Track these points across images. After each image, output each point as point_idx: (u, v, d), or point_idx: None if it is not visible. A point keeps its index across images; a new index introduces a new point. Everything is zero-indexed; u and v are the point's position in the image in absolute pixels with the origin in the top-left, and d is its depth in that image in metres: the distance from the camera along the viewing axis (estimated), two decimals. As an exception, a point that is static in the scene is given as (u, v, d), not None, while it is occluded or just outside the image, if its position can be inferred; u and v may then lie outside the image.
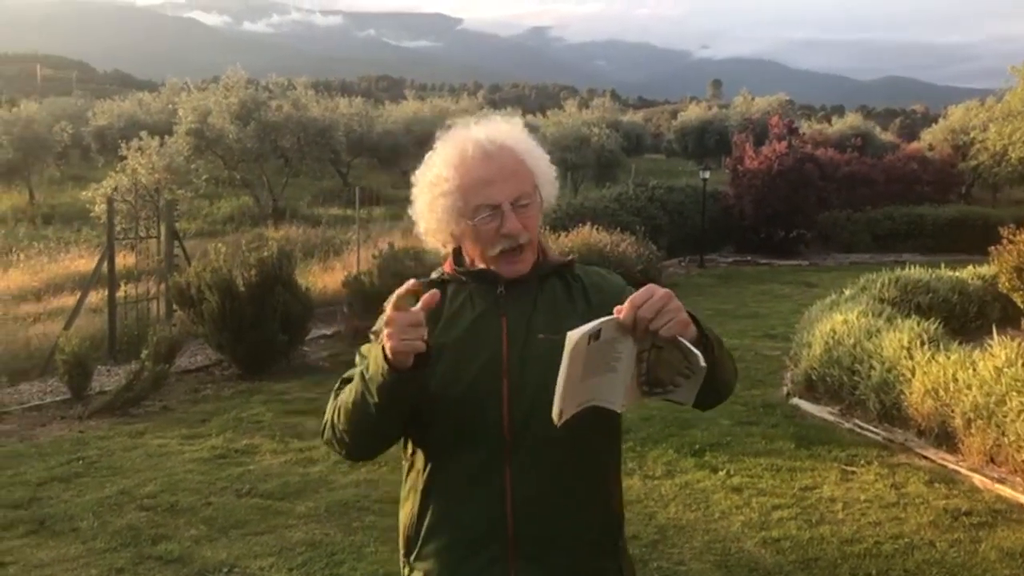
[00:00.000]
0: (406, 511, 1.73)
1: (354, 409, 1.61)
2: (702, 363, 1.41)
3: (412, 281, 1.53)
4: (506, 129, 1.73)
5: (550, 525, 1.63)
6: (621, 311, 1.42)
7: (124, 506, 4.88)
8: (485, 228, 1.65)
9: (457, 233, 1.71)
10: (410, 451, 1.73)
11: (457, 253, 1.75)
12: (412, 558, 1.72)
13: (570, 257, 1.80)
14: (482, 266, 1.70)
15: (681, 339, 1.43)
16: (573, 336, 1.38)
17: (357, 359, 1.71)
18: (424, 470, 1.69)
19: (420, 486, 1.69)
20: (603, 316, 1.43)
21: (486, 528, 1.62)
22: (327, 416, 1.71)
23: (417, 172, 1.75)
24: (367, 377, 1.56)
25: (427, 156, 1.74)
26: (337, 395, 1.70)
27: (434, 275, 1.77)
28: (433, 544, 1.67)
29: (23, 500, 4.96)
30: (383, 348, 1.50)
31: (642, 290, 1.44)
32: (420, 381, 1.55)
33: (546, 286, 1.72)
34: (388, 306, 1.50)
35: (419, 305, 1.49)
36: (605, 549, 1.71)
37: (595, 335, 1.40)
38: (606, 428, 1.67)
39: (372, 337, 1.71)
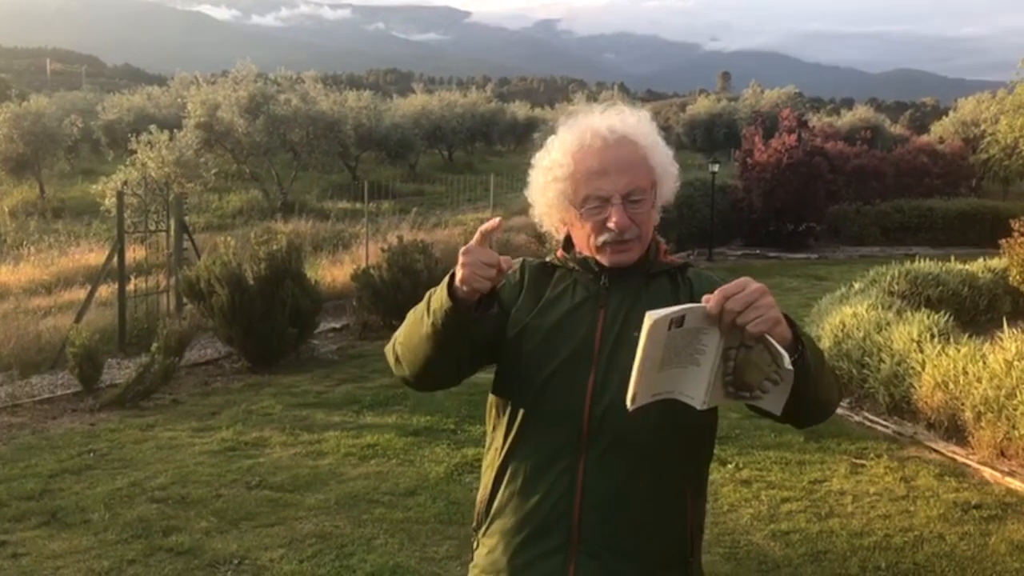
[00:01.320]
0: (482, 487, 1.75)
1: (412, 326, 1.64)
2: (787, 364, 1.34)
3: (498, 219, 1.55)
4: (631, 120, 1.70)
5: (616, 526, 1.60)
6: (710, 300, 1.36)
7: (135, 498, 4.90)
8: (592, 219, 1.65)
9: (567, 220, 1.72)
10: (492, 427, 1.74)
11: (568, 239, 1.75)
12: (481, 534, 1.74)
13: (685, 262, 1.77)
14: (587, 254, 1.70)
15: (769, 338, 1.36)
16: (653, 315, 1.32)
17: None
18: (502, 449, 1.69)
19: (496, 464, 1.70)
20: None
21: (552, 518, 1.62)
22: (396, 336, 1.74)
23: (536, 154, 1.75)
24: (431, 299, 1.59)
25: (548, 140, 1.74)
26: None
27: (547, 259, 1.79)
28: (499, 523, 1.69)
29: (35, 492, 4.99)
30: (452, 275, 1.52)
31: (735, 281, 1.39)
32: (474, 324, 1.57)
33: (653, 284, 1.69)
34: (474, 239, 1.53)
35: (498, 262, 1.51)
36: (671, 562, 1.66)
37: (678, 321, 1.34)
38: (691, 440, 1.64)
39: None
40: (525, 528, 1.64)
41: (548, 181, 1.70)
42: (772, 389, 1.39)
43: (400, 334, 1.70)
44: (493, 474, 1.71)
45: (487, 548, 1.71)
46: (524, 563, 1.64)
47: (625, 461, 1.59)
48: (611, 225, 1.62)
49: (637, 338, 1.46)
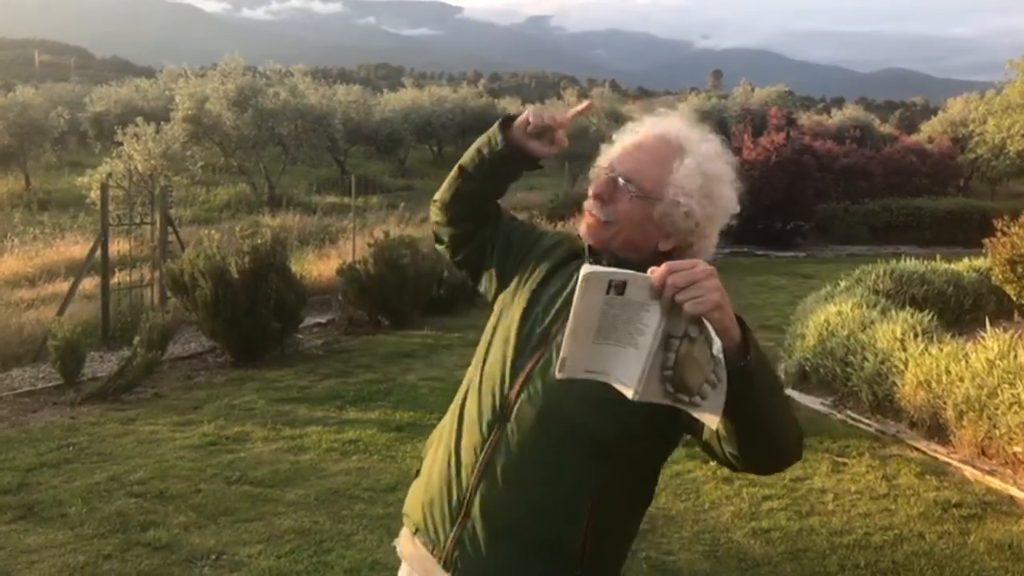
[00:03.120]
0: (438, 425, 1.86)
1: (467, 165, 1.81)
2: (717, 351, 1.25)
3: (590, 101, 1.71)
4: (696, 137, 1.65)
5: (504, 506, 1.59)
6: (655, 271, 1.27)
7: (113, 492, 4.86)
8: (588, 186, 1.68)
9: None
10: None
11: None
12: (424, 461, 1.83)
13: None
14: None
15: (707, 322, 1.27)
16: (589, 268, 1.25)
17: None
18: (461, 391, 1.78)
19: (451, 409, 1.79)
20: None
21: (454, 477, 1.65)
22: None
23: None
24: (488, 137, 1.76)
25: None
26: None
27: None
28: (427, 463, 1.78)
29: (12, 486, 4.94)
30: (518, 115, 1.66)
31: (685, 260, 1.31)
32: (514, 165, 1.73)
33: None
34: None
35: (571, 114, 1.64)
36: (554, 562, 1.59)
37: (619, 287, 1.25)
38: (614, 459, 1.58)
39: None
40: (435, 475, 1.71)
41: (597, 164, 1.74)
42: (710, 395, 1.29)
43: (451, 176, 1.89)
44: (447, 416, 1.81)
45: (417, 480, 1.81)
46: (426, 504, 1.70)
47: (533, 447, 1.58)
48: (586, 189, 1.66)
49: None
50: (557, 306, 1.64)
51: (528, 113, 1.65)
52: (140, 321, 7.85)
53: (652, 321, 1.27)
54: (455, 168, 1.82)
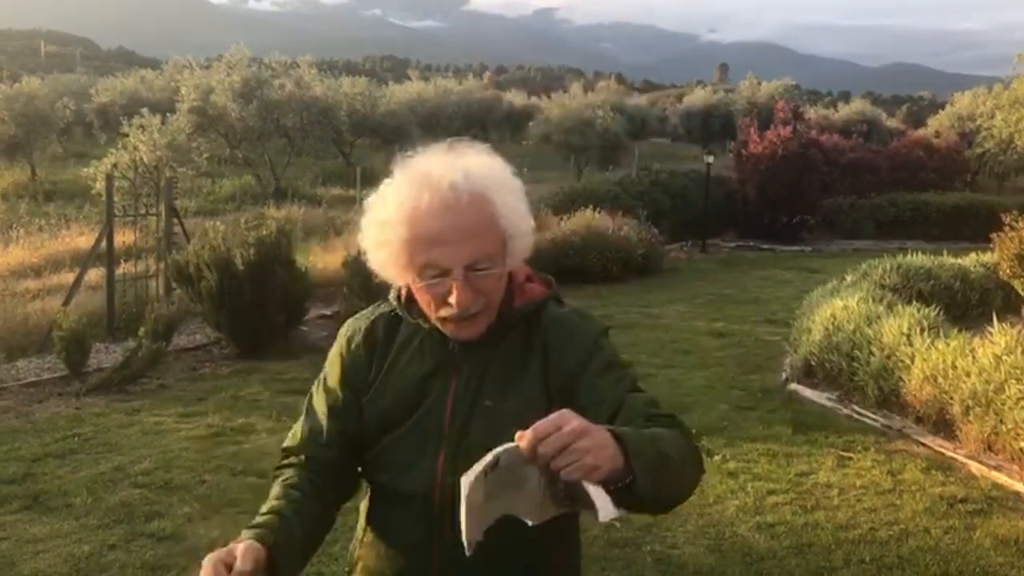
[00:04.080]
0: (357, 530, 1.65)
1: None
2: (603, 519, 1.20)
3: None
4: (478, 172, 1.45)
5: None
6: (522, 438, 1.20)
7: (118, 483, 4.87)
8: (432, 291, 1.46)
9: (403, 279, 1.52)
10: (364, 490, 1.65)
11: (410, 296, 1.55)
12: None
13: (541, 298, 1.57)
14: (434, 323, 1.52)
15: (586, 484, 1.21)
16: (467, 477, 1.22)
17: (305, 403, 1.64)
18: (370, 506, 1.61)
19: (363, 512, 1.63)
20: (557, 380, 1.37)
21: None
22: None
23: (369, 198, 1.52)
24: None
25: (382, 185, 1.50)
26: (274, 477, 1.58)
27: (392, 304, 1.61)
28: None
29: (17, 476, 4.96)
30: None
31: (548, 420, 1.20)
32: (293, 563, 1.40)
33: (504, 342, 1.53)
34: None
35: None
36: None
37: (492, 465, 1.23)
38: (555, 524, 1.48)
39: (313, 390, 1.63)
40: None
41: (379, 241, 1.49)
42: (603, 498, 1.25)
43: None
44: (361, 521, 1.63)
45: None
46: None
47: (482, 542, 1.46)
48: (452, 302, 1.44)
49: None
50: (436, 388, 1.53)
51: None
52: (145, 312, 7.86)
53: (532, 474, 1.27)
54: None
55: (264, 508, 1.47)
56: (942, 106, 35.17)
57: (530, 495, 1.29)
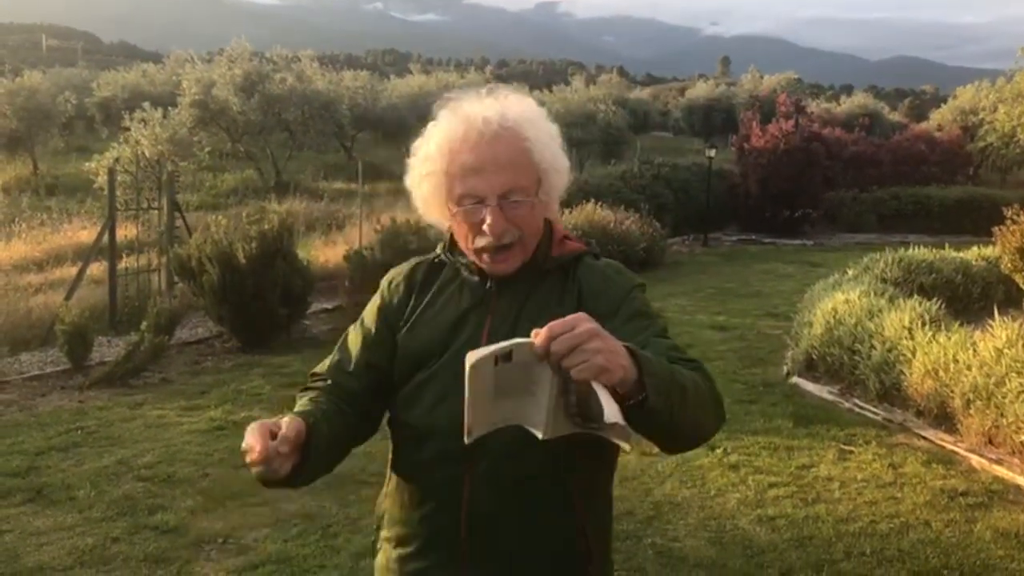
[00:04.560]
0: (384, 487, 1.70)
1: None
2: (608, 419, 1.22)
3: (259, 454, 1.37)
4: (515, 109, 1.55)
5: (502, 539, 1.53)
6: (537, 335, 1.24)
7: (121, 476, 4.89)
8: (468, 220, 1.54)
9: (446, 215, 1.60)
10: (392, 435, 1.67)
11: (452, 236, 1.64)
12: (380, 534, 1.70)
13: (579, 251, 1.64)
14: (470, 258, 1.60)
15: (595, 385, 1.24)
16: (472, 357, 1.23)
17: (340, 340, 1.70)
18: (394, 454, 1.64)
19: (390, 468, 1.66)
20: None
21: (437, 531, 1.56)
22: None
23: (416, 141, 1.62)
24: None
25: (428, 126, 1.60)
26: (301, 396, 1.65)
27: (436, 251, 1.69)
28: (391, 531, 1.64)
29: (21, 469, 4.97)
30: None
31: (564, 320, 1.24)
32: (306, 470, 1.46)
33: (542, 285, 1.59)
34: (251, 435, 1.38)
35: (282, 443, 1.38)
36: (565, 572, 1.58)
37: (505, 356, 1.25)
38: (581, 455, 1.52)
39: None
40: (413, 541, 1.60)
41: (423, 174, 1.59)
42: (618, 420, 1.27)
43: None
44: (388, 478, 1.67)
45: (383, 551, 1.67)
46: (412, 573, 1.60)
47: (509, 476, 1.51)
48: (486, 228, 1.51)
49: None
50: (470, 325, 1.58)
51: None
52: (147, 306, 7.88)
53: (544, 374, 1.27)
54: None
55: (293, 412, 1.54)
56: (945, 100, 35.14)
57: (542, 404, 1.29)
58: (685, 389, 1.36)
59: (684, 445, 1.50)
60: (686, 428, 1.41)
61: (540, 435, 1.32)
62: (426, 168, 1.58)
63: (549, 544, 1.55)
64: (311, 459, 1.46)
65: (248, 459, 1.37)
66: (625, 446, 1.30)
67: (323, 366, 1.69)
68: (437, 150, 1.55)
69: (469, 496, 1.52)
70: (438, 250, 1.68)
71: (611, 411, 1.22)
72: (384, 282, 1.72)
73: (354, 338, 1.68)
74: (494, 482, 1.51)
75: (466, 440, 1.30)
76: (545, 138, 1.57)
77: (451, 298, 1.61)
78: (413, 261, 1.72)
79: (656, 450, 5.26)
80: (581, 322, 1.24)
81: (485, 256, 1.56)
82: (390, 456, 1.67)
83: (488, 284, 1.59)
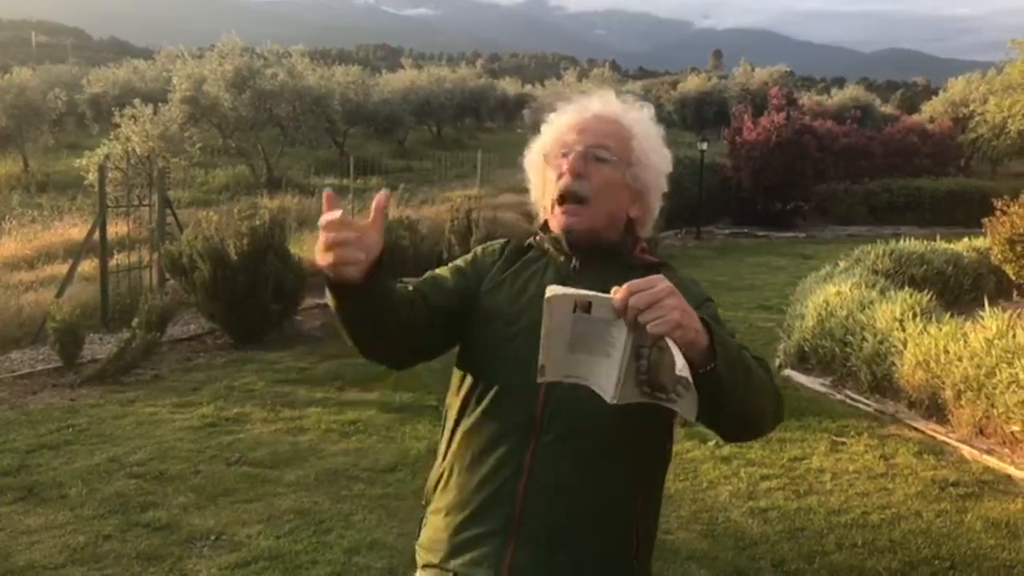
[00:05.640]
0: (436, 464, 1.71)
1: (339, 323, 1.54)
2: (679, 372, 1.27)
3: (385, 193, 1.45)
4: (627, 109, 1.70)
5: (559, 514, 1.55)
6: (617, 292, 1.31)
7: (113, 473, 4.87)
8: (555, 165, 1.65)
9: (544, 190, 1.70)
10: (451, 402, 1.71)
11: (546, 223, 1.72)
12: (428, 510, 1.71)
13: (661, 262, 1.72)
14: (559, 233, 1.67)
15: (670, 342, 1.29)
16: (551, 291, 1.31)
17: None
18: (456, 426, 1.66)
19: (448, 440, 1.68)
20: None
21: (495, 499, 1.57)
22: None
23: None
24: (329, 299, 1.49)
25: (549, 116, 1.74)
26: None
27: (528, 240, 1.77)
28: (444, 500, 1.65)
29: (12, 467, 4.95)
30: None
31: (643, 279, 1.32)
32: (378, 297, 1.46)
33: (623, 276, 1.56)
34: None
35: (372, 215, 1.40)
36: (612, 559, 1.60)
37: (584, 306, 1.31)
38: (647, 437, 1.59)
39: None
40: (467, 507, 1.61)
41: (535, 155, 1.71)
42: (686, 393, 1.33)
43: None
44: (444, 451, 1.68)
45: (431, 524, 1.68)
46: (463, 541, 1.60)
47: (575, 450, 1.54)
48: (565, 167, 1.61)
49: None
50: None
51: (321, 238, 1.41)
52: (139, 303, 7.86)
53: (620, 335, 1.32)
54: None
55: None
56: (936, 92, 35.23)
57: (614, 366, 1.33)
58: (750, 370, 1.45)
59: (744, 430, 1.55)
60: (748, 410, 1.47)
61: (609, 399, 1.35)
62: (537, 149, 1.71)
63: (603, 527, 1.58)
64: (382, 276, 1.45)
65: (326, 231, 1.37)
66: (690, 416, 1.35)
67: None
68: (552, 131, 1.69)
69: (532, 464, 1.55)
70: (529, 239, 1.77)
71: (682, 364, 1.27)
72: (478, 248, 1.78)
73: (433, 276, 1.73)
74: (560, 454, 1.54)
75: (539, 379, 1.36)
76: (649, 141, 1.68)
77: (535, 273, 1.68)
78: (504, 239, 1.80)
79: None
80: (659, 281, 1.32)
81: (559, 210, 1.64)
82: (449, 431, 1.68)
83: (573, 262, 1.65)
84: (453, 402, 1.69)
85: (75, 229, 12.48)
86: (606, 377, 1.35)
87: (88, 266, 9.53)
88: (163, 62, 30.93)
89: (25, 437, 5.50)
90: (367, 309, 1.49)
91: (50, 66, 39.22)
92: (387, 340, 1.58)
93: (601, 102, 1.70)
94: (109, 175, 10.13)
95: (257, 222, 8.38)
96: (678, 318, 1.30)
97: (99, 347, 7.88)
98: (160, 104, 18.19)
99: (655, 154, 1.70)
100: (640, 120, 1.71)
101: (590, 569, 1.58)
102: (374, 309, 1.49)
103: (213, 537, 4.10)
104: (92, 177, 13.12)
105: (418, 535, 1.74)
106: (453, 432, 1.66)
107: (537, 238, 1.74)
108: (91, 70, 33.20)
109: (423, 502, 1.74)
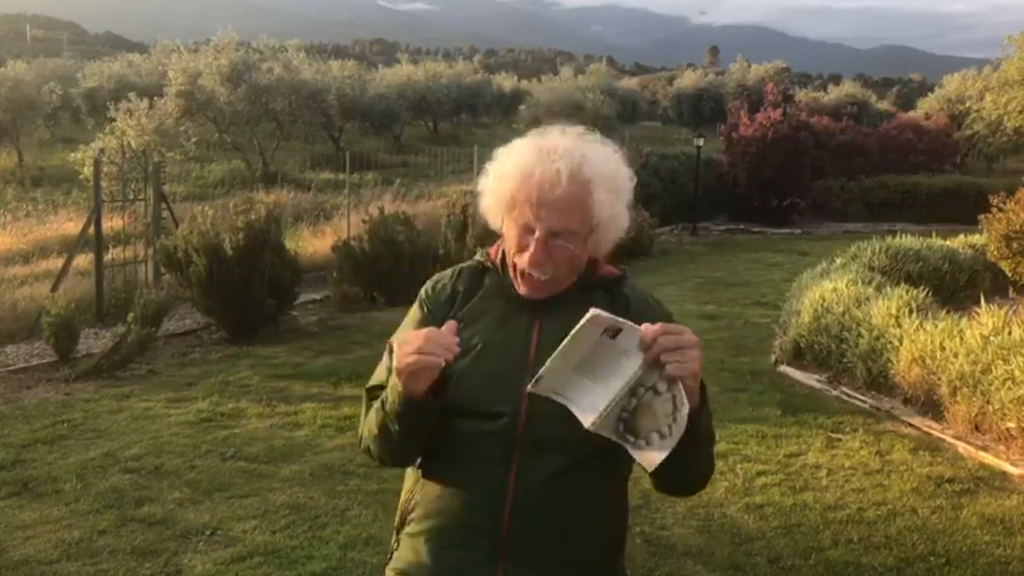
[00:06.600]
0: (407, 486, 1.71)
1: (380, 436, 1.63)
2: (685, 414, 1.40)
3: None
4: (591, 165, 1.62)
5: (545, 533, 1.58)
6: (649, 328, 1.41)
7: (108, 468, 4.86)
8: (518, 242, 1.63)
9: (500, 225, 1.70)
10: None
11: (503, 261, 1.72)
12: (404, 532, 1.69)
13: (620, 274, 1.74)
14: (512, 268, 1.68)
15: (680, 386, 1.41)
16: (596, 313, 1.38)
17: (385, 357, 1.71)
18: (434, 452, 1.65)
19: (425, 467, 1.67)
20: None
21: (480, 522, 1.58)
22: (361, 430, 1.71)
23: (500, 149, 1.72)
24: (386, 409, 1.58)
25: (516, 141, 1.70)
26: (367, 405, 1.70)
27: (477, 257, 1.77)
28: (425, 524, 1.64)
29: (6, 462, 4.94)
30: (397, 377, 1.52)
31: (677, 326, 1.46)
32: (436, 408, 1.56)
33: (588, 298, 1.62)
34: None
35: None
36: (597, 562, 1.65)
37: (613, 332, 1.39)
38: (619, 452, 1.60)
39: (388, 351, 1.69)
40: (451, 532, 1.61)
41: (492, 187, 1.69)
42: (656, 443, 1.43)
43: (371, 442, 1.67)
44: (420, 473, 1.68)
45: (410, 548, 1.67)
46: (448, 568, 1.61)
47: (556, 465, 1.57)
48: (527, 258, 1.61)
49: None
50: (521, 328, 1.65)
51: (400, 363, 1.52)
52: (134, 298, 7.83)
53: (630, 369, 1.41)
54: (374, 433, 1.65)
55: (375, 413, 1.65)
56: (932, 88, 35.22)
57: (605, 396, 1.42)
58: (712, 438, 1.61)
59: (683, 487, 1.70)
60: (697, 471, 1.63)
61: (587, 424, 1.43)
62: (500, 185, 1.67)
63: (588, 536, 1.63)
64: (440, 399, 1.56)
65: (419, 344, 1.49)
66: (647, 466, 1.45)
67: (377, 378, 1.73)
68: (510, 173, 1.65)
69: (516, 486, 1.57)
70: (479, 257, 1.77)
71: (685, 411, 1.41)
72: (427, 285, 1.78)
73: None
74: (543, 472, 1.57)
75: (529, 388, 1.44)
76: (609, 199, 1.64)
77: (496, 297, 1.69)
78: (455, 268, 1.79)
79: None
80: (689, 331, 1.45)
81: (520, 278, 1.65)
82: (428, 450, 1.67)
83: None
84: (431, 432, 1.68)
85: (70, 223, 12.45)
86: (592, 403, 1.43)
87: (83, 261, 9.51)
88: (159, 56, 30.79)
89: (20, 432, 5.48)
90: (428, 420, 1.58)
91: (45, 60, 39.06)
92: (418, 448, 1.65)
93: (559, 153, 1.61)
94: (104, 169, 10.10)
95: (253, 217, 8.36)
96: (696, 368, 1.43)
97: (94, 342, 7.86)
98: (156, 98, 18.15)
99: (617, 203, 1.66)
100: (601, 174, 1.63)
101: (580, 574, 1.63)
102: (429, 420, 1.58)
103: (208, 532, 4.09)
104: (87, 171, 13.10)
105: (388, 559, 1.73)
106: (433, 454, 1.65)
107: (492, 259, 1.73)
108: (86, 64, 33.10)
109: (396, 523, 1.73)
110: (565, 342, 1.38)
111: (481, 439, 1.59)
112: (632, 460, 1.67)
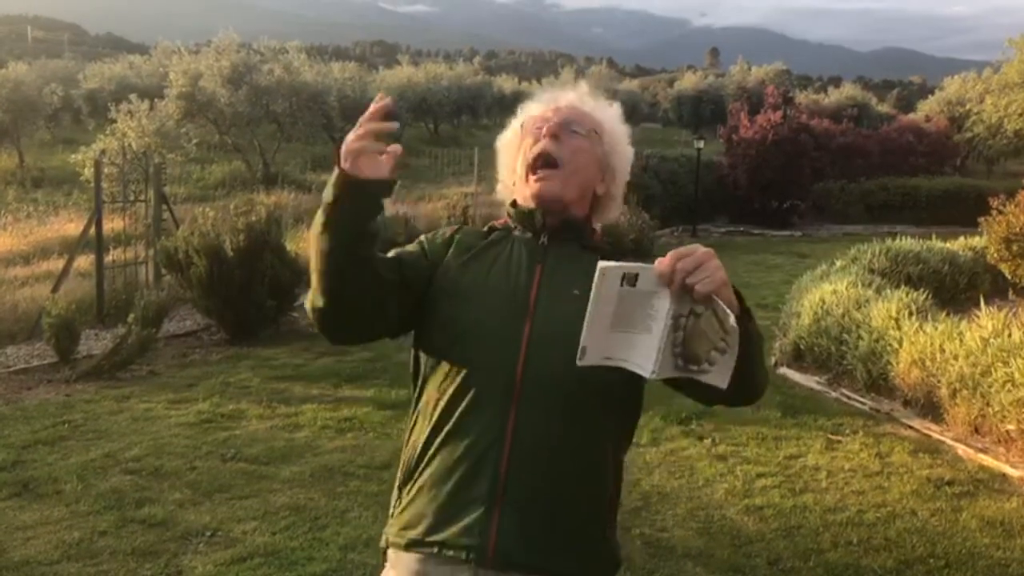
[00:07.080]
0: (410, 442, 1.70)
1: (319, 249, 1.54)
2: (733, 322, 1.38)
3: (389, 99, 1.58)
4: (608, 114, 1.78)
5: (543, 479, 1.57)
6: (662, 262, 1.37)
7: (108, 469, 4.86)
8: (532, 132, 1.69)
9: (517, 162, 1.73)
10: (420, 380, 1.71)
11: (515, 202, 1.75)
12: (405, 490, 1.68)
13: (617, 249, 1.77)
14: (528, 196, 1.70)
15: (717, 299, 1.38)
16: (604, 264, 1.35)
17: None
18: (433, 400, 1.65)
19: (426, 415, 1.66)
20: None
21: (478, 467, 1.58)
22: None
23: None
24: (327, 202, 1.51)
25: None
26: None
27: (487, 226, 1.80)
28: (426, 474, 1.64)
29: (7, 463, 4.94)
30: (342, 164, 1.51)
31: (686, 247, 1.42)
32: (370, 210, 1.53)
33: (591, 256, 1.61)
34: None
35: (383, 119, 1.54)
36: (591, 517, 1.64)
37: (631, 279, 1.36)
38: (620, 402, 1.65)
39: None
40: (451, 479, 1.60)
41: (508, 138, 1.78)
42: (719, 360, 1.40)
43: (313, 276, 1.60)
44: (423, 425, 1.67)
45: (410, 500, 1.66)
46: (447, 513, 1.60)
47: (556, 412, 1.57)
48: (544, 131, 1.67)
49: (576, 295, 1.49)
50: (523, 271, 1.65)
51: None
52: (135, 299, 7.84)
53: (662, 306, 1.37)
54: (315, 260, 1.57)
55: None
56: (932, 91, 35.25)
57: (652, 342, 1.39)
58: (761, 336, 1.57)
59: (753, 391, 1.61)
60: (756, 377, 1.57)
61: (647, 375, 1.40)
62: (511, 134, 1.77)
63: (584, 484, 1.62)
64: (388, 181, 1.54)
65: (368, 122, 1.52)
66: (722, 384, 1.41)
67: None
68: (526, 114, 1.76)
69: (514, 430, 1.57)
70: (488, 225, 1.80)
71: (733, 319, 1.38)
72: (424, 236, 1.80)
73: (401, 251, 1.74)
74: (541, 417, 1.57)
75: (578, 362, 1.40)
76: (616, 135, 1.77)
77: (501, 251, 1.70)
78: (455, 226, 1.82)
79: (644, 441, 5.28)
80: (699, 247, 1.41)
81: (532, 177, 1.68)
82: (426, 404, 1.67)
83: (542, 239, 1.69)
84: (426, 377, 1.69)
85: (71, 225, 12.46)
86: (645, 354, 1.39)
87: (84, 262, 9.51)
88: (159, 58, 30.81)
89: (20, 433, 5.49)
90: (360, 232, 1.52)
91: (46, 61, 39.12)
92: (360, 289, 1.57)
93: (576, 95, 1.77)
94: (105, 171, 10.11)
95: (253, 218, 8.37)
96: (723, 276, 1.40)
97: (95, 343, 7.87)
98: (156, 100, 18.15)
99: (621, 146, 1.78)
100: (610, 118, 1.78)
101: (573, 527, 1.61)
102: (366, 233, 1.53)
103: (208, 533, 4.09)
104: (88, 173, 13.10)
105: (391, 515, 1.72)
106: (432, 407, 1.65)
107: (501, 222, 1.77)
108: (87, 65, 33.18)
109: (398, 482, 1.71)
110: (590, 306, 1.36)
111: (479, 382, 1.59)
112: (633, 419, 1.73)
